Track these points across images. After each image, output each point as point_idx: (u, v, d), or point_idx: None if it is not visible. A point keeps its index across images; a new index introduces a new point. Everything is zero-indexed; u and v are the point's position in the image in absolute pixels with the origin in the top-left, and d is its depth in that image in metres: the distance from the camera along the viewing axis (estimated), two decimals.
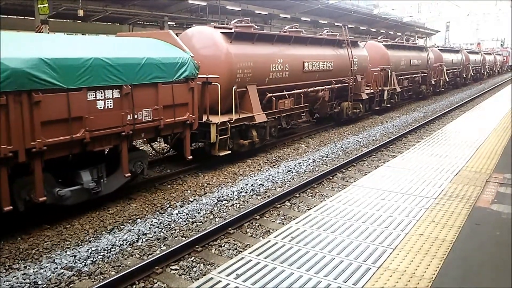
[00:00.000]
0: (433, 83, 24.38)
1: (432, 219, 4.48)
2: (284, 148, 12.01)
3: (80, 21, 25.01)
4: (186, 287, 5.04)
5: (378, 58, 17.69)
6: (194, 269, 5.50)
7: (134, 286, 5.10)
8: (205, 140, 9.25)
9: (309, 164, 10.29)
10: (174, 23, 30.55)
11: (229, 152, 9.67)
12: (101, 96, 6.58)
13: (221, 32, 9.92)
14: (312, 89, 12.71)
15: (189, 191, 8.34)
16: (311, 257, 3.67)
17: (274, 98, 11.11)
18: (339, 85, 14.38)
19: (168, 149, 10.62)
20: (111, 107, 6.73)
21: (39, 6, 17.81)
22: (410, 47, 21.92)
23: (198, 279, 5.07)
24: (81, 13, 20.03)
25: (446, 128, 9.89)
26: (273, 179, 9.06)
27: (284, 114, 11.70)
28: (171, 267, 5.52)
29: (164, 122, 7.59)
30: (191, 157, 8.48)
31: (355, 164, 10.44)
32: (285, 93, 11.54)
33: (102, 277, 5.29)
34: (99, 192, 7.09)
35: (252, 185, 8.59)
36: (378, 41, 19.13)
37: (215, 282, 3.28)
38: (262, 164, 10.40)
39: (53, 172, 6.45)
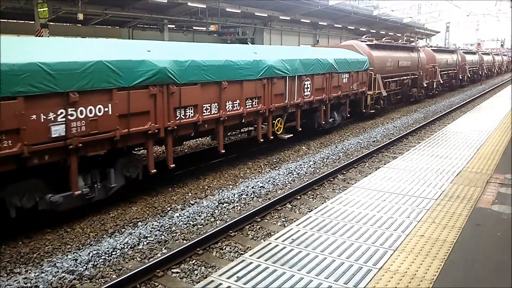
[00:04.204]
0: (460, 78, 31.43)
1: (433, 220, 4.48)
2: (285, 150, 12.01)
3: (80, 25, 25.05)
4: None
5: (429, 59, 23.76)
6: (195, 272, 5.50)
7: None
8: (362, 103, 15.93)
9: (310, 166, 10.29)
10: (174, 26, 30.60)
11: (374, 111, 17.06)
12: (344, 77, 13.70)
13: (365, 44, 16.86)
14: (402, 78, 19.62)
15: (190, 194, 8.35)
16: (312, 259, 3.67)
17: (388, 82, 17.99)
18: (412, 76, 20.95)
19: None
20: (346, 82, 13.86)
21: (39, 10, 17.87)
22: (446, 50, 30.11)
23: (199, 282, 5.07)
24: (80, 16, 20.08)
25: (447, 129, 9.89)
26: (274, 181, 9.06)
27: (392, 92, 18.89)
28: (172, 270, 5.52)
29: (359, 91, 14.96)
30: (365, 110, 16.16)
31: (356, 166, 10.44)
32: (390, 80, 18.36)
33: (103, 281, 5.29)
34: (331, 124, 13.94)
35: (253, 188, 8.59)
36: (428, 47, 27.08)
37: (216, 284, 3.28)
38: (262, 166, 10.41)
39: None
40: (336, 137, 14.13)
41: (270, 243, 3.99)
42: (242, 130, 11.26)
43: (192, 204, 7.80)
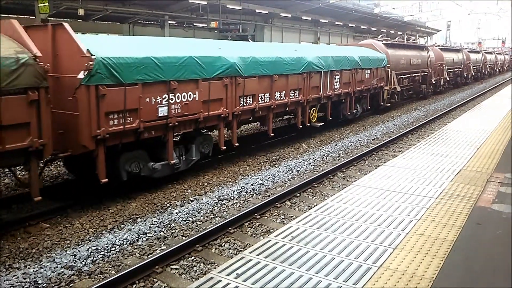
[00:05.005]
0: (465, 75, 33.00)
1: (433, 219, 4.47)
2: (285, 147, 12.00)
3: (80, 20, 24.99)
4: (186, 286, 5.04)
5: (437, 57, 25.03)
6: (194, 268, 5.50)
7: (134, 286, 5.09)
8: (380, 97, 17.32)
9: (310, 164, 10.28)
10: (174, 22, 30.52)
11: (389, 104, 18.44)
12: (367, 72, 15.21)
13: (382, 43, 18.32)
14: (413, 75, 21.18)
15: (189, 191, 8.34)
16: (312, 257, 3.66)
17: (401, 78, 19.47)
18: (422, 73, 22.54)
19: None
20: (368, 77, 15.39)
21: (39, 5, 17.80)
22: (453, 49, 31.92)
23: (198, 279, 5.07)
24: (81, 12, 20.03)
25: (447, 128, 9.88)
26: (274, 179, 9.05)
27: (405, 88, 20.60)
28: (171, 266, 5.52)
29: (378, 86, 16.38)
30: (382, 103, 17.53)
31: (355, 164, 10.42)
32: (403, 76, 19.89)
33: (102, 277, 5.29)
34: (353, 115, 15.50)
35: (252, 185, 8.58)
36: (435, 46, 28.26)
37: (216, 281, 3.27)
38: (262, 163, 10.40)
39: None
40: (336, 135, 14.11)
41: (269, 240, 3.98)
42: (284, 118, 13.00)
43: (192, 201, 7.79)
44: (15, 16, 22.58)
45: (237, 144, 9.69)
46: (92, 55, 6.40)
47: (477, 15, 60.34)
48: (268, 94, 10.26)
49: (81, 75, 6.33)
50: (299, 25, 38.73)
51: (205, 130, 9.40)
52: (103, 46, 6.97)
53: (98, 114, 6.54)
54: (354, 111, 15.18)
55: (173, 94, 7.68)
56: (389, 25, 48.60)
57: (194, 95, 8.16)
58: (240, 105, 9.39)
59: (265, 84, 10.13)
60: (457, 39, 75.97)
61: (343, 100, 14.24)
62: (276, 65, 10.32)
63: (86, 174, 7.60)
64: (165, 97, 7.56)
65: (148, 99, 7.28)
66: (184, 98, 7.94)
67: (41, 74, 5.85)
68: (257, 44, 12.70)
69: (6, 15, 21.70)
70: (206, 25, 29.96)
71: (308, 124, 12.31)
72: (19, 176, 7.49)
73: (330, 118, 13.51)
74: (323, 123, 13.17)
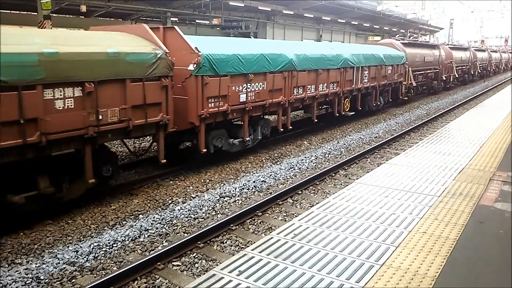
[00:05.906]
0: (472, 72, 34.52)
1: (436, 217, 4.46)
2: (287, 145, 11.99)
3: (82, 17, 24.94)
4: (188, 283, 5.04)
5: (447, 56, 26.64)
6: (196, 265, 5.50)
7: (136, 282, 5.10)
8: (399, 91, 18.92)
9: (312, 161, 10.27)
10: (177, 19, 30.46)
11: (407, 98, 20.23)
12: (389, 68, 16.94)
13: (400, 42, 20.05)
14: (427, 71, 22.84)
15: (191, 187, 8.34)
16: (314, 254, 3.66)
17: (416, 75, 20.90)
18: (434, 70, 24.15)
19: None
20: (390, 73, 17.01)
21: (41, 1, 17.76)
22: (461, 48, 33.62)
23: (200, 275, 5.08)
24: (83, 8, 19.97)
25: (449, 126, 9.85)
26: (275, 176, 9.05)
27: (419, 83, 22.00)
28: (173, 263, 5.52)
29: (398, 81, 18.01)
30: (401, 97, 19.02)
31: (357, 162, 10.41)
32: (418, 73, 21.36)
33: (104, 273, 5.30)
34: (377, 107, 17.06)
35: (254, 182, 8.58)
36: (446, 45, 29.85)
37: (218, 278, 3.27)
38: (264, 161, 10.39)
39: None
40: (338, 132, 14.09)
41: (272, 238, 3.97)
42: (322, 107, 14.74)
43: (194, 198, 7.79)
44: (17, 12, 22.58)
45: (291, 127, 11.78)
46: (199, 52, 8.17)
47: (480, 13, 60.13)
48: (314, 85, 12.01)
49: (191, 67, 8.13)
50: (302, 22, 38.61)
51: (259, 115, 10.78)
52: (203, 45, 8.62)
53: (202, 98, 8.36)
54: (378, 103, 16.87)
55: (250, 84, 9.47)
56: (392, 23, 48.40)
57: (263, 85, 9.96)
58: (294, 94, 11.17)
59: (312, 77, 11.84)
60: (460, 37, 75.71)
61: (370, 93, 15.94)
62: (320, 61, 12.09)
63: (174, 149, 9.84)
64: (245, 86, 9.35)
65: (234, 87, 9.08)
66: (257, 88, 9.74)
67: (169, 66, 7.55)
68: (306, 43, 15.42)
69: (9, 11, 21.70)
70: (208, 22, 29.89)
71: (343, 113, 14.10)
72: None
73: (360, 108, 15.38)
74: (353, 113, 14.88)
